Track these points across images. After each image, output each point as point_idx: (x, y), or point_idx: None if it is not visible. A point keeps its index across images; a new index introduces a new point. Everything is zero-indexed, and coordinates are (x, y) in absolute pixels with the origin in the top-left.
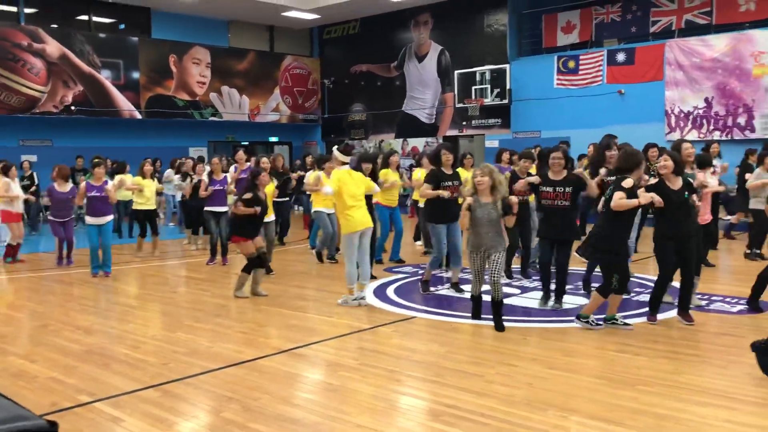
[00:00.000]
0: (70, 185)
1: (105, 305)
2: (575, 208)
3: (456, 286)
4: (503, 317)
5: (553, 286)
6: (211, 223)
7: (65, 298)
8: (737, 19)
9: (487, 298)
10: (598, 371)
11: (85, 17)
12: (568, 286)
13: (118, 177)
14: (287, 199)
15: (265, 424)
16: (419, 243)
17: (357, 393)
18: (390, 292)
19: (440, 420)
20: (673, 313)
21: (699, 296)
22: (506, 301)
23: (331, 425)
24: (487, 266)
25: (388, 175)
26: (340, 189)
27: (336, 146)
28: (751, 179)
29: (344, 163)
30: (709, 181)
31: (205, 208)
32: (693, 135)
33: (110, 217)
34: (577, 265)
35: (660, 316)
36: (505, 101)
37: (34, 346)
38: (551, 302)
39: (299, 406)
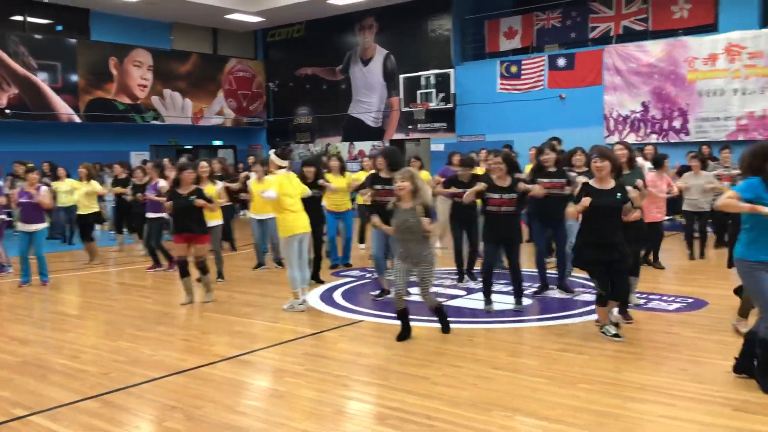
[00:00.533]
0: None
1: (41, 315)
2: (520, 212)
3: (385, 292)
4: (449, 318)
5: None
6: (144, 228)
7: None
8: (672, 26)
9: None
10: (540, 371)
11: (19, 18)
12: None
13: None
14: (230, 203)
15: None
16: (363, 246)
17: (303, 399)
18: (337, 296)
19: (386, 423)
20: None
21: (638, 295)
22: (452, 303)
23: None
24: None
25: (331, 179)
26: (280, 193)
27: (273, 150)
28: (680, 182)
29: (281, 167)
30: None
31: (148, 214)
32: (631, 138)
33: (42, 225)
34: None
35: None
36: (450, 105)
37: None
38: (512, 304)
39: (244, 414)
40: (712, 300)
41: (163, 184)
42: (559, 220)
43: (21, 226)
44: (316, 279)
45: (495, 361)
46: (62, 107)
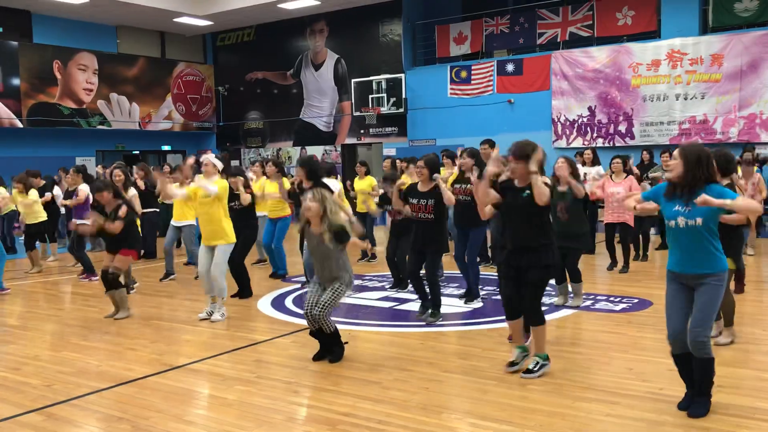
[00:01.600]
0: None
1: None
2: (440, 219)
3: None
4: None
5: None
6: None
7: None
8: (616, 32)
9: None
10: (491, 373)
11: None
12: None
13: None
14: (157, 210)
15: None
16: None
17: (253, 407)
18: (288, 302)
19: (337, 429)
20: (560, 314)
21: (585, 296)
22: (403, 306)
23: None
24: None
25: (268, 185)
26: (223, 197)
27: (211, 153)
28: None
29: (220, 172)
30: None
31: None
32: (578, 142)
33: None
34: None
35: (547, 318)
36: (401, 110)
37: None
38: (426, 315)
39: (193, 423)
40: (656, 300)
41: (84, 189)
42: (472, 225)
43: None
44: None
45: (445, 364)
46: (4, 112)
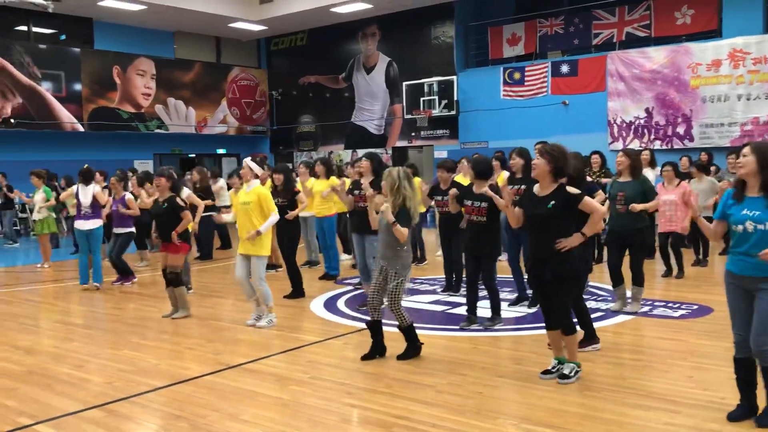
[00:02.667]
0: None
1: (46, 324)
2: (492, 222)
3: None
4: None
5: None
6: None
7: (2, 317)
8: (675, 32)
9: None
10: (546, 378)
11: (24, 27)
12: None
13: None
14: (213, 213)
15: None
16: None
17: (307, 407)
18: (341, 304)
19: None
20: (617, 319)
21: (643, 302)
22: (455, 311)
23: None
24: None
25: (315, 185)
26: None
27: (248, 157)
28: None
29: (257, 176)
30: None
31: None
32: (635, 144)
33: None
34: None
35: (603, 324)
36: (453, 112)
37: None
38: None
39: (249, 423)
40: (717, 306)
41: (129, 197)
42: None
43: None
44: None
45: (499, 368)
46: (66, 116)
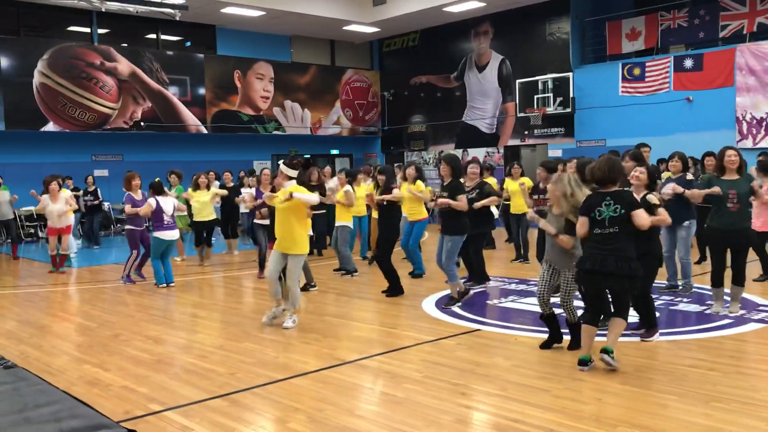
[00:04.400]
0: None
1: (173, 315)
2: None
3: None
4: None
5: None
6: (258, 234)
7: (136, 308)
8: None
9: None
10: (669, 386)
11: (153, 36)
12: None
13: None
14: (324, 211)
15: None
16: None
17: (422, 406)
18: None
19: None
20: (746, 327)
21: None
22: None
23: None
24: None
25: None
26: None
27: (282, 160)
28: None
29: (291, 178)
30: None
31: (255, 221)
32: (766, 142)
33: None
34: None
35: (731, 331)
36: (568, 110)
37: (108, 355)
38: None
39: (364, 418)
40: None
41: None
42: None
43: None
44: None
45: (620, 375)
46: (191, 119)
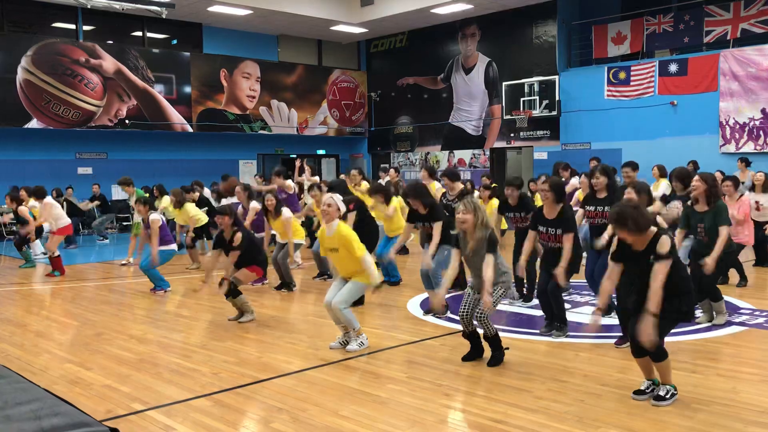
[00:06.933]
0: None
1: (156, 314)
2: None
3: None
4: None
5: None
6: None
7: (120, 307)
8: None
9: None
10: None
11: (139, 33)
12: None
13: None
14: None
15: None
16: None
17: (405, 406)
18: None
19: None
20: (727, 330)
21: (758, 313)
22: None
23: None
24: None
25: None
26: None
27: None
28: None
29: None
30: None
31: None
32: (749, 147)
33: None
34: None
35: (712, 334)
36: (554, 113)
37: (90, 354)
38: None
39: (348, 418)
40: None
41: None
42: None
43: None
44: None
45: (602, 377)
46: (176, 117)
